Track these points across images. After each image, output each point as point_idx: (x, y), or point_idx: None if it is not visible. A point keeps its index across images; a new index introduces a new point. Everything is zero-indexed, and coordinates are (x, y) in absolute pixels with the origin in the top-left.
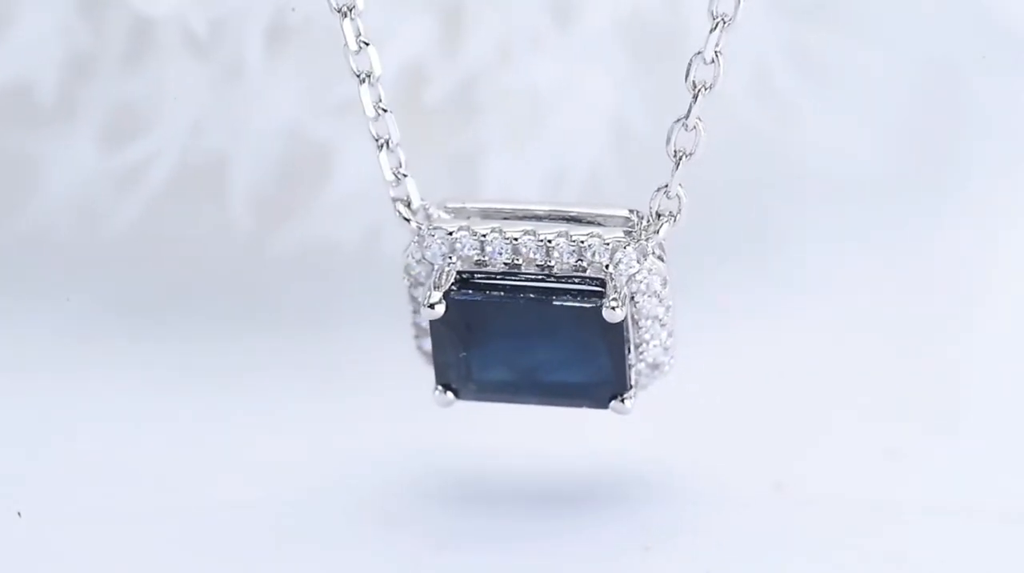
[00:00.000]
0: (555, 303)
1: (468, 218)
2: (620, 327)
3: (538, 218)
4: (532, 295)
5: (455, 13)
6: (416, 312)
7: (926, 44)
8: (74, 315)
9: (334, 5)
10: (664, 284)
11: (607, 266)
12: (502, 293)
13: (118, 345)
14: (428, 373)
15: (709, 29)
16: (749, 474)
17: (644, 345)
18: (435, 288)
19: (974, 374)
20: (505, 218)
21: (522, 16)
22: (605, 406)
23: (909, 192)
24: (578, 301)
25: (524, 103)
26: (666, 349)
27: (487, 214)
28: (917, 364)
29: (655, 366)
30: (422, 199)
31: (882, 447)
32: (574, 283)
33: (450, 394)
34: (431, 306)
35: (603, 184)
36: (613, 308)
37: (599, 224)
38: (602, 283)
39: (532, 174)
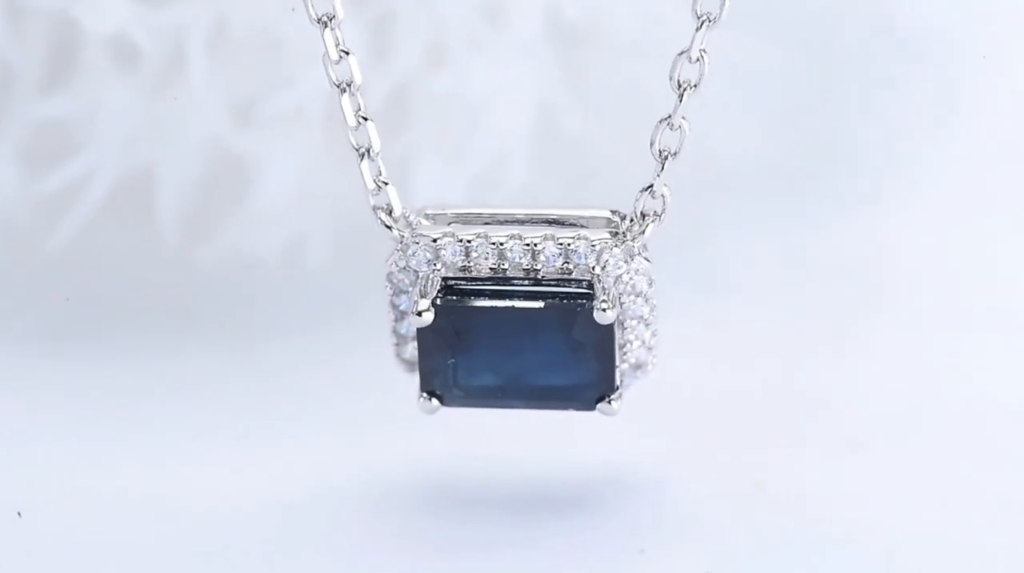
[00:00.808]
0: (545, 306)
1: (448, 224)
2: (610, 328)
3: (520, 222)
4: (520, 299)
5: (387, 20)
6: (398, 320)
7: (819, 41)
8: (14, 338)
9: (313, 15)
10: (650, 284)
11: (594, 268)
12: (490, 298)
13: (57, 366)
14: (399, 380)
15: (695, 28)
16: (735, 473)
17: (628, 345)
18: (422, 296)
19: (931, 366)
20: (486, 223)
21: (452, 22)
22: (592, 408)
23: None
24: (568, 304)
25: (454, 108)
26: (649, 348)
27: (467, 219)
28: (874, 356)
29: (638, 366)
30: (403, 207)
31: (851, 442)
32: (561, 286)
33: (435, 401)
34: (419, 314)
35: (536, 185)
36: (604, 310)
37: (581, 226)
38: (589, 285)
39: (462, 177)
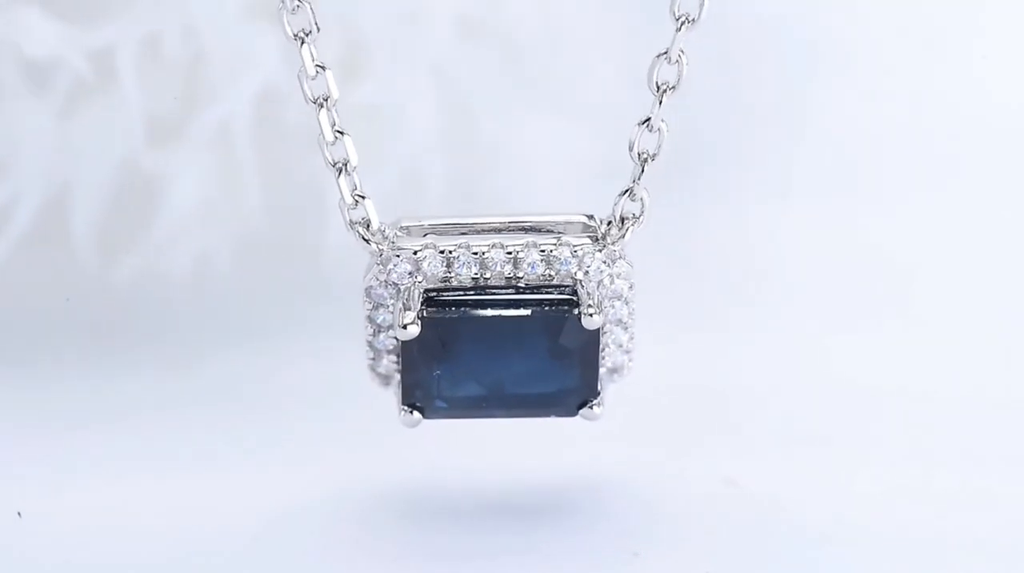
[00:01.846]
0: (532, 314)
1: (424, 235)
2: (596, 333)
3: (497, 230)
4: (505, 308)
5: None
6: (375, 335)
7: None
8: None
9: (290, 32)
10: (631, 287)
11: (576, 273)
12: (475, 308)
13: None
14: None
15: (675, 29)
16: (712, 472)
17: (606, 349)
18: (406, 309)
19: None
20: (462, 233)
21: (368, 33)
22: (574, 414)
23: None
24: (553, 310)
25: (371, 120)
26: (627, 351)
27: (443, 230)
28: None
29: (614, 370)
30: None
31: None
32: (544, 293)
33: (417, 414)
34: (405, 326)
35: (456, 193)
36: (591, 315)
37: (559, 232)
38: (572, 291)
39: (382, 190)
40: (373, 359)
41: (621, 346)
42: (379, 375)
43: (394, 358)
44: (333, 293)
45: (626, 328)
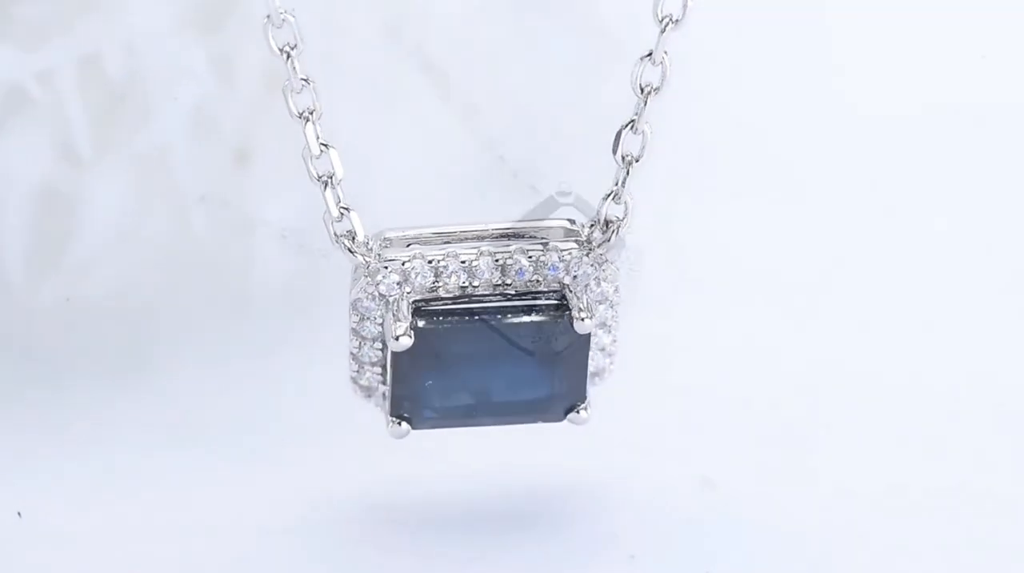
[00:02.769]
0: (524, 320)
1: (408, 246)
2: (587, 338)
3: (480, 238)
4: (497, 315)
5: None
6: (360, 347)
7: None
8: None
9: (275, 46)
10: (616, 290)
11: (563, 278)
12: (466, 317)
13: None
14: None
15: (659, 31)
16: (694, 473)
17: (590, 352)
18: (396, 320)
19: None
20: (447, 242)
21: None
22: (561, 419)
23: None
24: (544, 316)
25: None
26: (609, 354)
27: (427, 240)
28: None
29: (596, 373)
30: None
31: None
32: (533, 299)
33: (405, 425)
34: (397, 338)
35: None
36: (583, 319)
37: (544, 238)
38: (561, 296)
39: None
40: (357, 372)
41: (604, 349)
42: (361, 387)
43: (378, 370)
44: (262, 310)
45: (609, 330)
